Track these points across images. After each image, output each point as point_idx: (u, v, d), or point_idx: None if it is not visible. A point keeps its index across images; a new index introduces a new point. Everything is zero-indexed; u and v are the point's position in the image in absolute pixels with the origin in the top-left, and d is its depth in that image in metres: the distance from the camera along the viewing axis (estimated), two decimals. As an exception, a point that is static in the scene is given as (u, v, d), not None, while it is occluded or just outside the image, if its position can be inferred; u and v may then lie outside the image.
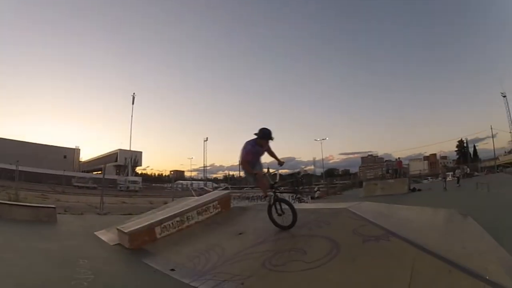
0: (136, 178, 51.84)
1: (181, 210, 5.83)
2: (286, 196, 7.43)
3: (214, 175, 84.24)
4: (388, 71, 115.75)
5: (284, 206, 4.50)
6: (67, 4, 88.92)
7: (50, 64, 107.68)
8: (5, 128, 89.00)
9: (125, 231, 5.20)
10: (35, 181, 30.54)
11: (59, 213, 8.58)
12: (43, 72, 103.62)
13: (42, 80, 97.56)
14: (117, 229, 5.56)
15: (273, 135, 4.74)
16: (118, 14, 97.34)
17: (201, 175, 72.92)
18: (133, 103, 55.15)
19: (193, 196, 13.01)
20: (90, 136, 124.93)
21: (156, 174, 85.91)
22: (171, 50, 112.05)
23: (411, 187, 20.04)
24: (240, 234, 4.80)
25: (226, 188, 25.89)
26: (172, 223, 5.44)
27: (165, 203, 10.59)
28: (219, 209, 6.22)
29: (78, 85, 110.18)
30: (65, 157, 57.13)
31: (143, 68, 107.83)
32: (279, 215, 4.49)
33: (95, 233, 6.47)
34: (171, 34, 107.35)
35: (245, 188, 21.89)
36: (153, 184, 60.25)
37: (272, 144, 4.89)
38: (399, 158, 33.32)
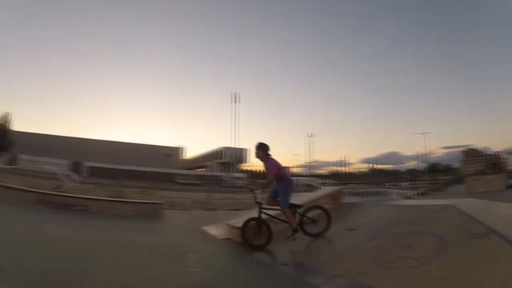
0: (241, 175, 52.71)
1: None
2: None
3: (319, 171, 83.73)
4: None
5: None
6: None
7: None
8: (120, 132, 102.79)
9: (236, 225, 5.18)
10: (139, 179, 33.41)
11: (164, 209, 8.69)
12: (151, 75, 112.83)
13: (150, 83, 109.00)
14: (227, 223, 5.64)
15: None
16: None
17: (306, 171, 74.03)
18: (235, 102, 60.09)
19: (301, 192, 13.03)
20: (195, 135, 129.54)
21: (261, 171, 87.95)
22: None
23: (508, 184, 18.59)
24: (350, 230, 4.86)
25: (334, 184, 24.08)
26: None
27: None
28: (330, 205, 6.37)
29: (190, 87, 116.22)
30: (168, 155, 60.81)
31: (246, 66, 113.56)
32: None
33: (202, 227, 6.49)
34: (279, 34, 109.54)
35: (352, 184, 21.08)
36: (258, 181, 64.01)
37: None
38: (497, 152, 29.57)
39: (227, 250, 4.89)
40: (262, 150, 4.77)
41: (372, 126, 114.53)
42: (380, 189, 17.90)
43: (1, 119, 43.70)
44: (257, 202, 4.74)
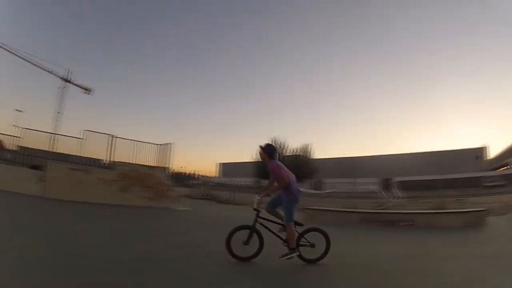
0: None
1: None
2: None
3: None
4: None
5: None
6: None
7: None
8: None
9: None
10: (450, 187, 31.02)
11: (487, 216, 8.48)
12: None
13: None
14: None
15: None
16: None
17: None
18: None
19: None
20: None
21: None
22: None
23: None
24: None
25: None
26: None
27: None
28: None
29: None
30: (477, 158, 53.55)
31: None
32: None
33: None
34: None
35: None
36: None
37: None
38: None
39: None
40: (266, 152, 4.30)
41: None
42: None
43: (301, 151, 50.38)
44: (255, 209, 4.17)
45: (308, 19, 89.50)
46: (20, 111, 52.29)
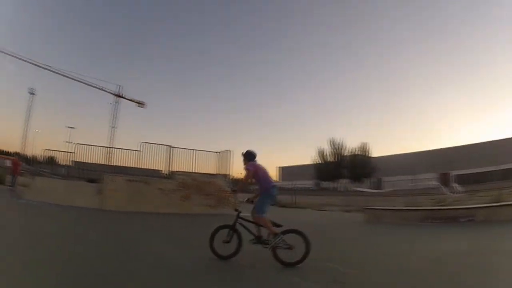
0: None
1: None
2: None
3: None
4: None
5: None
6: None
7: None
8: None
9: None
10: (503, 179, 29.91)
11: None
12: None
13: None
14: None
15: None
16: None
17: None
18: None
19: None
20: None
21: None
22: None
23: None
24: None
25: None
26: None
27: None
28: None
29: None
30: None
31: None
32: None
33: None
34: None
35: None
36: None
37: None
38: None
39: None
40: (245, 157, 4.66)
41: None
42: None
43: (359, 150, 50.96)
44: (236, 210, 4.42)
45: (367, 19, 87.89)
46: (72, 127, 54.54)
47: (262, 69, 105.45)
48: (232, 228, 4.29)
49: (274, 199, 4.74)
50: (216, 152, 12.43)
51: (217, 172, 12.37)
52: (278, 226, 4.28)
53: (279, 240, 4.03)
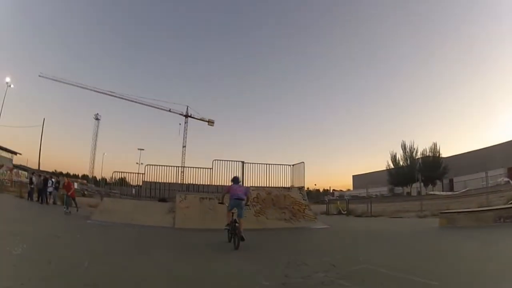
0: None
1: None
2: None
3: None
4: None
5: None
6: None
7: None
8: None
9: None
10: None
11: None
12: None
13: None
14: None
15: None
16: None
17: None
18: None
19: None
20: None
21: None
22: None
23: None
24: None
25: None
26: None
27: None
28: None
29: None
30: None
31: None
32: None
33: None
34: None
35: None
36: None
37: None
38: None
39: None
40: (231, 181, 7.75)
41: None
42: None
43: (430, 151, 49.18)
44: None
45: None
46: (142, 149, 57.60)
47: (327, 80, 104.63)
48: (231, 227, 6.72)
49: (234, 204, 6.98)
50: (290, 165, 12.37)
51: (291, 185, 12.25)
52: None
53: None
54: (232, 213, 6.86)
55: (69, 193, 13.27)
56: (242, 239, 6.17)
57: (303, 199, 11.55)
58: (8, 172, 31.03)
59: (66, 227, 9.51)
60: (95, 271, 3.96)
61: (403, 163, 52.12)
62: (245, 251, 5.94)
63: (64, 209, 12.75)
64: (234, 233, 6.43)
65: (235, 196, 6.91)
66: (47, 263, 4.25)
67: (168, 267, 4.47)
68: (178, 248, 6.82)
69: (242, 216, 6.78)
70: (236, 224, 6.52)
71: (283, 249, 6.58)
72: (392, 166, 53.27)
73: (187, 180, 12.68)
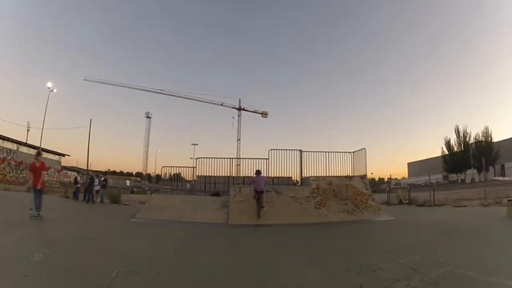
0: None
1: None
2: None
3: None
4: None
5: None
6: None
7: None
8: None
9: None
10: None
11: None
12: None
13: None
14: None
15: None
16: None
17: None
18: None
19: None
20: None
21: None
22: None
23: None
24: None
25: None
26: None
27: None
28: None
29: None
30: None
31: None
32: None
33: None
34: None
35: None
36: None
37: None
38: None
39: None
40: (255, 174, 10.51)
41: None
42: None
43: (482, 135, 48.30)
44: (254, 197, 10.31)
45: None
46: (196, 144, 60.24)
47: (379, 69, 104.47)
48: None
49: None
50: (350, 152, 11.79)
51: (353, 174, 11.67)
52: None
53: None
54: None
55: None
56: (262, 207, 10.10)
57: (366, 189, 10.92)
58: (56, 173, 32.82)
59: (105, 227, 8.86)
60: (122, 284, 3.38)
61: (457, 148, 50.46)
62: (309, 252, 5.55)
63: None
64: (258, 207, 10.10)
65: (258, 188, 10.05)
66: (66, 272, 3.73)
67: (220, 279, 3.82)
68: (230, 251, 5.97)
69: (263, 204, 10.08)
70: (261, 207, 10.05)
71: (350, 248, 5.91)
72: (446, 152, 51.34)
73: (243, 173, 12.44)
